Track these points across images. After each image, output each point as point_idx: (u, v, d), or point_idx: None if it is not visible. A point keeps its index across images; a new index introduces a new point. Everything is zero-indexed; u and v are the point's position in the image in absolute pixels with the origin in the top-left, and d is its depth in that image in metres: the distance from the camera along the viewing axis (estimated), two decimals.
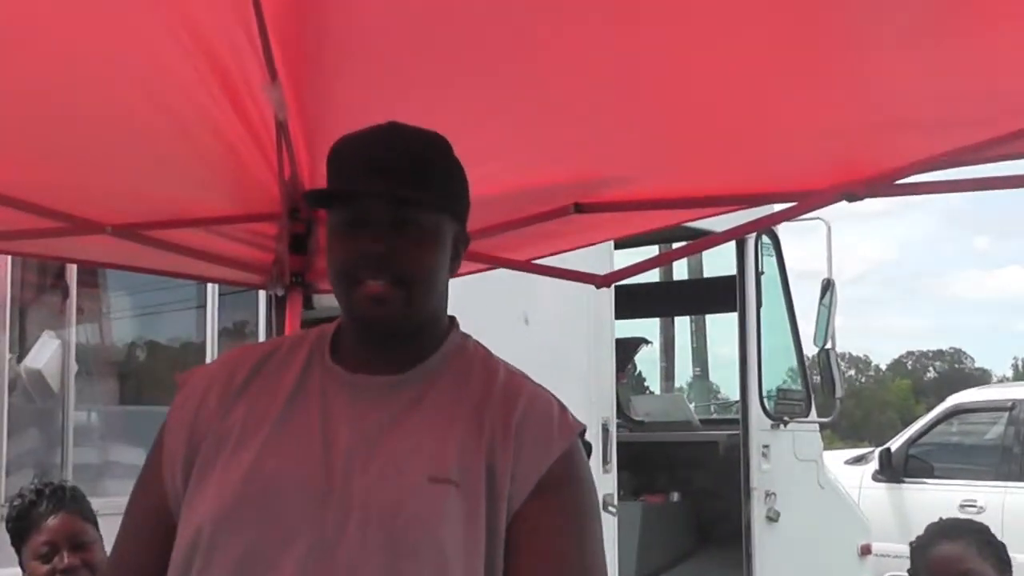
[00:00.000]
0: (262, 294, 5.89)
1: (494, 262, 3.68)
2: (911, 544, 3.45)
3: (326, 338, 2.14)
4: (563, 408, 2.09)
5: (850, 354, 70.85)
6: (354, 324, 2.07)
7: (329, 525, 1.93)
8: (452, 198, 2.07)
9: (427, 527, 1.93)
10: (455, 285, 3.58)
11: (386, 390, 2.04)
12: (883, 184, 2.95)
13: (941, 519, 3.52)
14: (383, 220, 1.97)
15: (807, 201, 3.20)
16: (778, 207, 3.54)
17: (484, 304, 4.33)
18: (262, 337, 6.24)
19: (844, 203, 3.03)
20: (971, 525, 3.47)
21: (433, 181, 2.01)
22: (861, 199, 2.98)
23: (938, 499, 11.12)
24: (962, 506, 10.70)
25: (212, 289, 6.01)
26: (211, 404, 2.08)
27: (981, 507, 10.61)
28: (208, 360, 6.09)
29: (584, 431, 2.09)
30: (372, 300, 1.97)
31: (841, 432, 37.87)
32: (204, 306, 6.12)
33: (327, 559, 1.91)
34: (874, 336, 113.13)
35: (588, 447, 2.12)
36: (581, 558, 2.01)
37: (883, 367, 75.46)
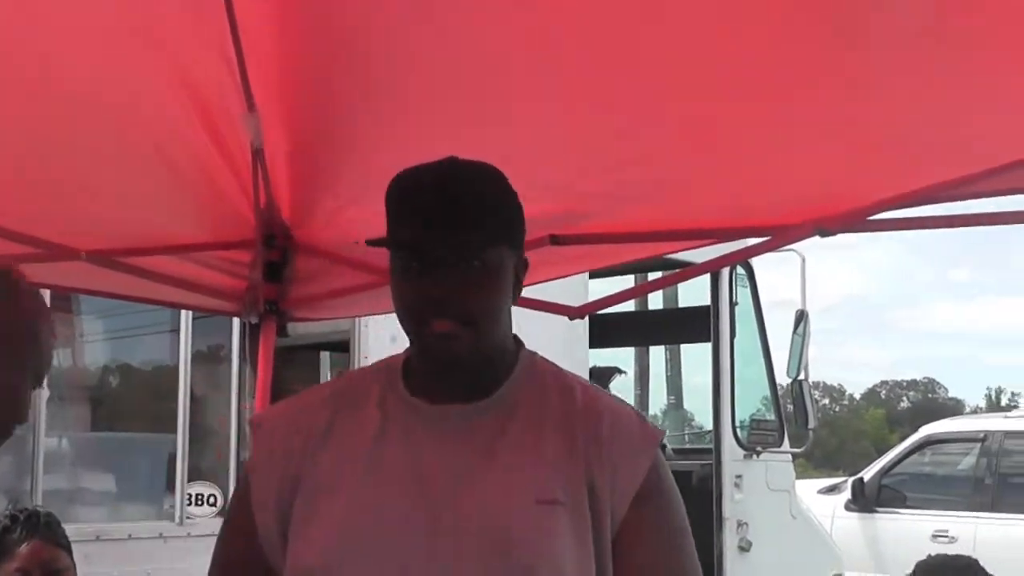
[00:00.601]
0: (236, 319, 5.88)
1: None
2: None
3: (396, 371, 2.17)
4: (641, 418, 2.18)
5: (824, 383, 71.09)
6: (424, 361, 2.11)
7: (442, 553, 1.97)
8: (511, 230, 2.10)
9: (542, 548, 1.98)
10: None
11: (471, 418, 2.09)
12: (855, 220, 2.97)
13: (930, 556, 3.51)
14: (447, 261, 1.99)
15: (781, 236, 3.22)
16: (753, 240, 3.56)
17: None
18: (235, 363, 6.24)
19: None
20: (959, 562, 3.46)
21: (493, 218, 2.04)
22: (834, 234, 3.00)
23: (910, 529, 11.15)
24: (934, 536, 10.72)
25: (186, 314, 6.00)
26: (297, 450, 2.11)
27: (953, 537, 10.63)
28: (181, 384, 6.08)
29: (664, 437, 2.17)
30: (441, 338, 2.00)
31: (815, 461, 37.91)
32: (177, 331, 6.12)
33: None
34: (849, 365, 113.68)
35: (663, 448, 2.19)
36: (683, 565, 2.11)
37: (857, 396, 75.72)
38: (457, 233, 1.98)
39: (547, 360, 2.22)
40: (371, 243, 2.09)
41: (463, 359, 2.04)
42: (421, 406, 2.10)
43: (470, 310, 2.00)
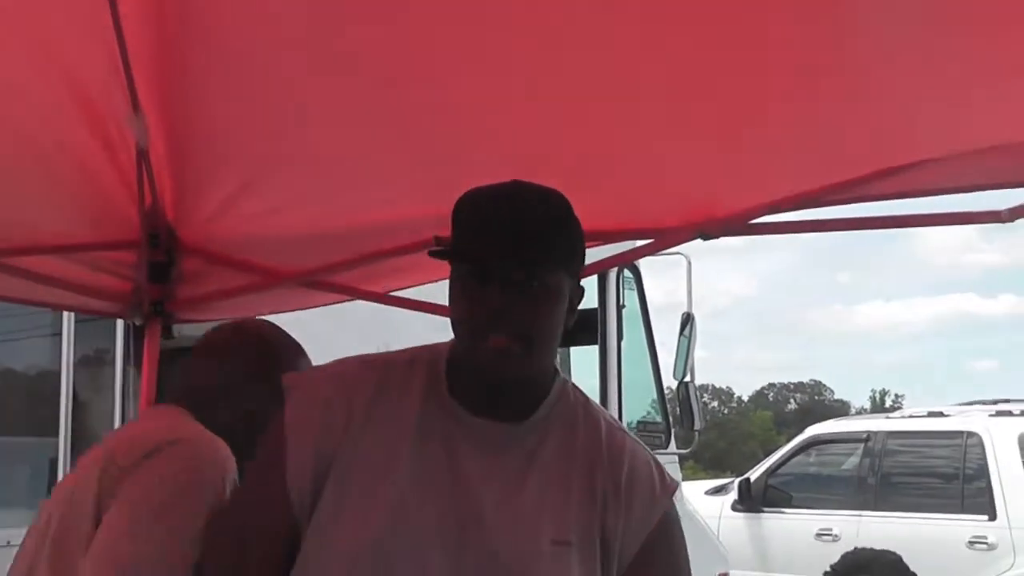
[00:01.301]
0: (120, 322, 5.79)
1: (352, 294, 3.68)
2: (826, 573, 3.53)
3: (440, 365, 2.19)
4: (660, 467, 2.28)
5: (713, 386, 71.92)
6: (475, 375, 2.13)
7: (465, 571, 2.04)
8: (572, 256, 2.14)
9: None
10: (316, 315, 3.56)
11: (509, 440, 2.14)
12: (737, 223, 3.02)
13: (856, 549, 3.59)
14: (509, 278, 2.03)
15: (663, 239, 3.27)
16: (639, 243, 3.60)
17: (345, 334, 4.33)
18: (119, 367, 6.14)
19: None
20: (886, 557, 3.54)
21: (557, 242, 2.09)
22: (715, 237, 3.05)
23: (795, 528, 11.32)
24: (818, 535, 10.89)
25: (68, 316, 5.90)
26: (337, 428, 2.12)
27: (836, 535, 10.80)
28: (63, 388, 5.97)
29: (677, 488, 2.28)
30: (496, 354, 2.04)
31: (705, 463, 38.37)
32: (60, 333, 6.01)
33: None
34: (738, 368, 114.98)
35: None
36: None
37: (745, 399, 76.74)
38: (522, 251, 2.03)
39: (577, 388, 2.27)
40: (434, 254, 2.14)
41: (514, 378, 2.10)
42: (463, 415, 2.14)
43: (531, 327, 2.05)
